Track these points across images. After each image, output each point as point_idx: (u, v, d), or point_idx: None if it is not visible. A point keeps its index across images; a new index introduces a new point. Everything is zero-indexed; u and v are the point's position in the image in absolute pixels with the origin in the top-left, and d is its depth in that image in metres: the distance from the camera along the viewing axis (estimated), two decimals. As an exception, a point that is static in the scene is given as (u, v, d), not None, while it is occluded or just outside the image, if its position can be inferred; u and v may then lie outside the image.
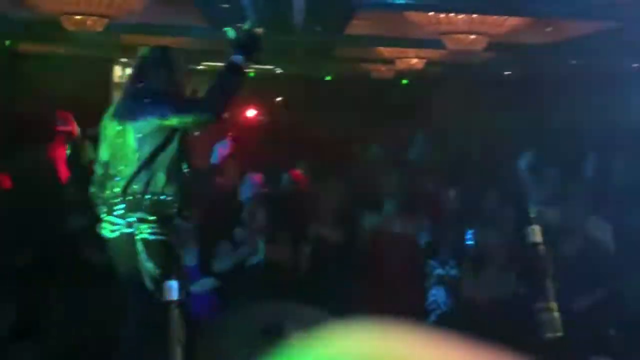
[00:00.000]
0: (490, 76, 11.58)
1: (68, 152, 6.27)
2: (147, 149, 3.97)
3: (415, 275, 5.77)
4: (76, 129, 6.52)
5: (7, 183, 6.09)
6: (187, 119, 3.97)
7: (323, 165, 7.19)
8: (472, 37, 8.82)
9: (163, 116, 3.92)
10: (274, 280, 5.58)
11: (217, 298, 5.69)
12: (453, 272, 5.96)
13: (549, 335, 2.00)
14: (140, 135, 3.99)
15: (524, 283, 2.11)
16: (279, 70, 16.69)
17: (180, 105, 3.99)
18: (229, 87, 4.01)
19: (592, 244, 5.87)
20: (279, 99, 18.25)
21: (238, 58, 4.07)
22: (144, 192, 3.94)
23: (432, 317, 5.96)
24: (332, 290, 5.49)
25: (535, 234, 2.13)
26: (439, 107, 11.43)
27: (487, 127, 9.93)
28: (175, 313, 2.12)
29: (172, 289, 2.17)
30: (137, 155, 3.98)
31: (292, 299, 5.31)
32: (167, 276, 2.27)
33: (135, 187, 3.97)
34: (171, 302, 2.17)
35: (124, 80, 17.41)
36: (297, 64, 14.66)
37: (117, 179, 4.05)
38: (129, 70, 17.14)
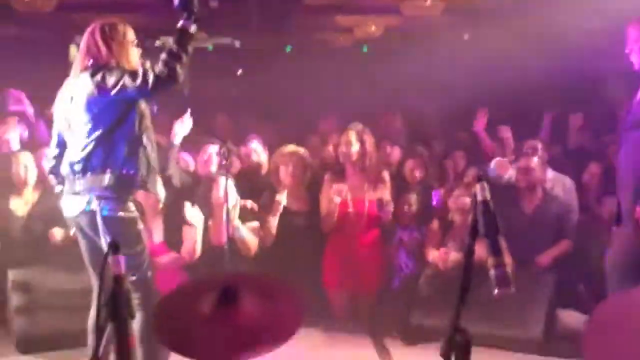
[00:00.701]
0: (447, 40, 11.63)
1: (22, 132, 6.21)
2: (104, 123, 3.97)
3: (378, 239, 5.84)
4: (29, 109, 6.46)
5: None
6: (151, 94, 3.98)
7: (282, 136, 7.23)
8: (428, 2, 8.88)
9: (128, 99, 3.93)
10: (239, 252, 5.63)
11: (185, 273, 5.72)
12: (415, 234, 6.05)
13: (500, 290, 2.08)
14: (95, 109, 3.99)
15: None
16: (237, 43, 16.60)
17: (142, 84, 3.98)
18: (181, 52, 4.03)
19: (552, 199, 6.00)
20: (239, 71, 18.19)
21: (183, 22, 4.11)
22: (103, 168, 3.94)
23: (396, 281, 6.06)
24: (296, 261, 5.56)
25: (484, 190, 2.19)
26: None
27: (447, 89, 10.02)
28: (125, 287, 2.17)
29: (119, 264, 2.20)
30: (94, 129, 3.98)
31: (254, 269, 5.39)
32: (116, 250, 2.30)
33: (94, 162, 3.97)
34: (119, 276, 2.21)
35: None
36: (255, 36, 14.55)
37: (75, 155, 4.04)
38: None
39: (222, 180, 5.44)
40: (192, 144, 6.41)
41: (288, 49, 18.40)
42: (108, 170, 3.99)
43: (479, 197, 2.24)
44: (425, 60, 11.74)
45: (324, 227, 5.80)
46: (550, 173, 6.40)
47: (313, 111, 10.14)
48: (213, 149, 6.21)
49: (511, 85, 9.37)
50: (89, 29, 4.27)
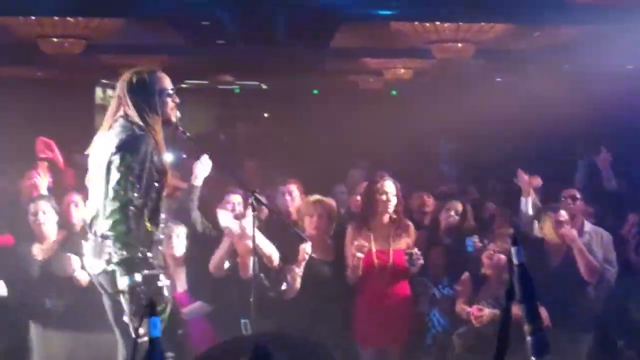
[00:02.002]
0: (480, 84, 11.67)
1: (48, 180, 6.28)
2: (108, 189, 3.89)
3: (407, 292, 5.78)
4: (59, 157, 6.53)
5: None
6: None
7: (312, 182, 7.24)
8: (460, 45, 8.92)
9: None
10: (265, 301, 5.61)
11: (209, 322, 5.70)
12: (446, 290, 5.98)
13: (538, 358, 2.05)
14: (106, 169, 3.91)
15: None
16: (264, 86, 16.79)
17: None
18: None
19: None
20: (266, 114, 18.37)
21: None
22: (106, 237, 3.87)
23: (428, 339, 5.98)
24: (323, 313, 5.52)
25: (520, 253, 2.17)
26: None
27: (479, 134, 10.02)
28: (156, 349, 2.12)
29: (152, 325, 2.18)
30: (103, 190, 3.89)
31: (281, 322, 5.35)
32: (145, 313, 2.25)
33: (98, 230, 3.90)
34: (154, 339, 2.18)
35: (105, 103, 17.56)
36: (282, 79, 14.74)
37: (87, 216, 4.02)
38: (110, 92, 17.31)
39: (248, 230, 5.44)
40: (219, 193, 6.42)
41: (315, 91, 18.62)
42: (112, 238, 3.89)
43: (515, 261, 2.21)
44: (457, 104, 11.78)
45: (350, 279, 5.77)
46: (588, 226, 6.31)
47: (340, 157, 10.17)
48: (236, 199, 6.22)
49: (545, 130, 9.35)
50: (122, 77, 4.10)
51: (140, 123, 3.88)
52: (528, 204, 6.17)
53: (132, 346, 3.75)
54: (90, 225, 3.95)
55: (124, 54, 11.67)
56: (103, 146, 3.91)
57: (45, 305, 5.50)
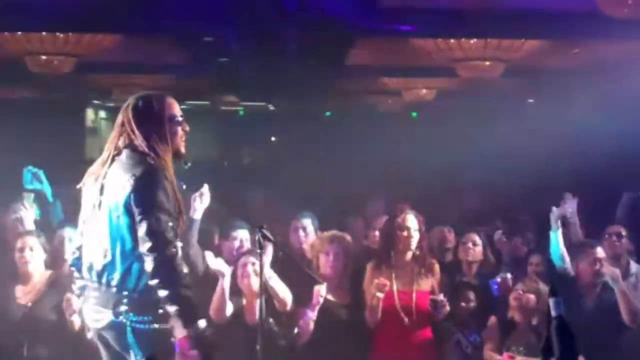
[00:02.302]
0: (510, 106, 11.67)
1: (37, 213, 6.28)
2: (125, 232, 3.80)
3: (431, 338, 5.74)
4: (48, 189, 6.52)
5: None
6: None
7: (326, 215, 7.22)
8: (487, 63, 8.94)
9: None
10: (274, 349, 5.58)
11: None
12: (473, 337, 5.92)
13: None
14: (117, 213, 3.84)
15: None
16: (271, 107, 16.85)
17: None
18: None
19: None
20: (273, 139, 18.43)
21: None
22: (121, 285, 3.83)
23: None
24: (338, 358, 5.49)
25: (559, 305, 2.14)
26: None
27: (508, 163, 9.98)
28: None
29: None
30: (118, 233, 3.83)
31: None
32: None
33: (111, 277, 3.85)
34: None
35: (98, 126, 17.65)
36: (292, 100, 14.80)
37: (93, 261, 3.92)
38: (103, 114, 17.41)
39: (254, 268, 5.42)
40: (223, 228, 6.40)
41: (328, 113, 18.65)
42: (131, 278, 3.84)
43: (553, 313, 2.18)
44: (484, 128, 11.76)
45: (368, 322, 5.74)
46: (635, 267, 6.26)
47: (356, 187, 10.14)
48: (243, 234, 6.20)
49: (584, 158, 9.30)
50: (127, 102, 4.02)
51: (151, 154, 3.77)
52: (560, 239, 6.11)
53: None
54: (100, 273, 3.84)
55: (118, 73, 11.77)
56: (110, 182, 3.81)
57: (27, 355, 5.47)
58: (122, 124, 3.87)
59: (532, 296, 5.45)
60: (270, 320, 5.37)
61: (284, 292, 5.42)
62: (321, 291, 5.51)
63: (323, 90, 13.11)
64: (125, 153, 3.79)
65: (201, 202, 5.49)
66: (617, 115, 8.80)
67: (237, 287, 5.58)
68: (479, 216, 8.51)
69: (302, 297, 5.65)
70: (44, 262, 5.62)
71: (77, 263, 4.01)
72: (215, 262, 5.30)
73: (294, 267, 5.43)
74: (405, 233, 5.64)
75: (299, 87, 12.46)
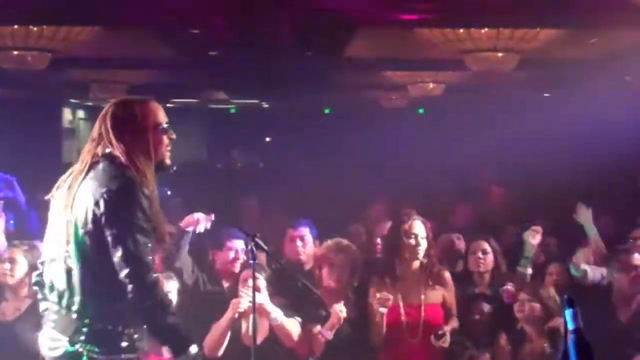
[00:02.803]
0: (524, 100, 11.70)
1: (11, 222, 6.31)
2: (99, 247, 3.72)
3: (440, 355, 5.76)
4: (20, 197, 6.55)
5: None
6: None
7: (325, 221, 7.24)
8: (500, 55, 8.96)
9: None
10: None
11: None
12: (489, 351, 5.94)
13: None
14: (86, 229, 3.77)
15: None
16: (265, 105, 16.89)
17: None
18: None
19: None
20: (268, 139, 18.46)
21: None
22: (82, 311, 3.76)
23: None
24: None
25: (576, 316, 2.16)
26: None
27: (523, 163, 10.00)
28: None
29: None
30: (78, 256, 3.75)
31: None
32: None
33: (71, 301, 3.77)
34: None
35: (76, 127, 17.64)
36: (287, 96, 14.83)
37: (55, 281, 3.86)
38: (81, 114, 17.42)
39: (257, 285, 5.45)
40: (214, 238, 6.41)
41: (327, 111, 18.66)
42: (95, 304, 3.74)
43: (570, 326, 2.20)
44: (496, 125, 11.78)
45: (372, 340, 5.76)
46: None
47: (357, 190, 10.16)
48: (239, 244, 6.20)
49: (604, 156, 9.32)
50: (106, 109, 3.95)
51: (131, 167, 3.69)
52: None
53: None
54: (61, 295, 3.79)
55: (97, 69, 11.79)
56: (82, 195, 3.76)
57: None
58: (100, 134, 3.77)
59: (536, 305, 5.49)
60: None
61: (290, 326, 5.45)
62: (342, 311, 5.55)
63: (321, 85, 13.14)
64: (102, 164, 3.71)
65: (197, 225, 5.52)
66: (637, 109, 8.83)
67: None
68: (492, 222, 8.53)
69: (307, 313, 5.68)
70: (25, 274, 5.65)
71: (40, 281, 3.92)
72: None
73: (290, 279, 5.45)
74: (412, 241, 5.65)
75: (295, 82, 12.50)
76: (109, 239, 3.58)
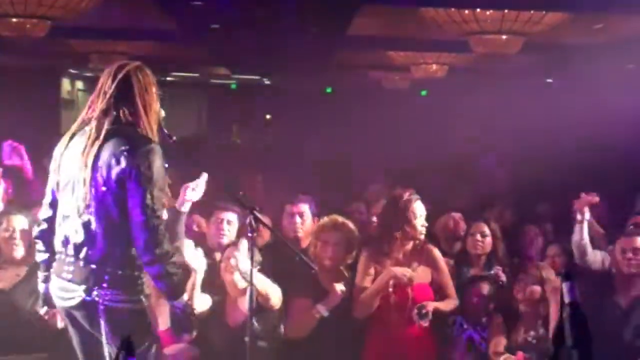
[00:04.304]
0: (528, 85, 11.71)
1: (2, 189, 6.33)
2: (116, 203, 3.93)
3: (430, 333, 5.79)
4: (28, 165, 6.58)
5: None
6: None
7: (325, 199, 7.27)
8: (504, 37, 8.96)
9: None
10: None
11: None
12: (486, 333, 5.98)
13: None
14: (107, 187, 3.94)
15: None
16: (267, 81, 16.87)
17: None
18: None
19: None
20: (268, 116, 18.46)
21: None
22: (102, 262, 3.94)
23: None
24: (332, 354, 5.55)
25: (573, 289, 2.19)
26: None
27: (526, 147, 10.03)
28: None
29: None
30: (101, 205, 3.92)
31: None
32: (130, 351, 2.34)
33: (90, 253, 3.95)
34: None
35: (74, 98, 17.62)
36: (289, 74, 14.82)
37: (69, 234, 4.02)
38: (80, 85, 17.39)
39: (234, 258, 5.47)
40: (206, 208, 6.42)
41: (329, 90, 18.65)
42: (115, 253, 3.96)
43: (567, 299, 2.22)
44: (499, 108, 11.80)
45: (356, 313, 5.75)
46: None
47: (358, 169, 10.19)
48: (227, 216, 6.20)
49: (605, 142, 9.35)
50: (108, 70, 4.13)
51: (147, 129, 3.97)
52: (583, 231, 6.16)
53: None
54: (79, 248, 3.96)
55: (97, 39, 11.77)
56: (104, 157, 3.91)
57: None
58: (103, 92, 3.95)
59: (536, 287, 5.55)
60: (254, 320, 5.44)
61: (268, 287, 5.46)
62: (342, 290, 5.58)
63: (324, 63, 13.13)
64: (123, 128, 3.92)
65: (193, 194, 5.43)
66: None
67: (219, 282, 5.63)
68: (491, 204, 8.56)
69: (300, 288, 5.71)
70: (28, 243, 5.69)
71: (43, 235, 4.13)
72: (192, 255, 5.30)
73: (286, 253, 5.47)
74: (411, 220, 5.67)
75: (298, 59, 12.49)
76: (130, 193, 3.86)
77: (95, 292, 3.91)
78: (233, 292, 5.50)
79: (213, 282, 5.60)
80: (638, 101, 8.72)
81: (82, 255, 3.94)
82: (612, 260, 5.97)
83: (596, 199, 6.17)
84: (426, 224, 5.70)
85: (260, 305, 5.45)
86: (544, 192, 8.96)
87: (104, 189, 3.89)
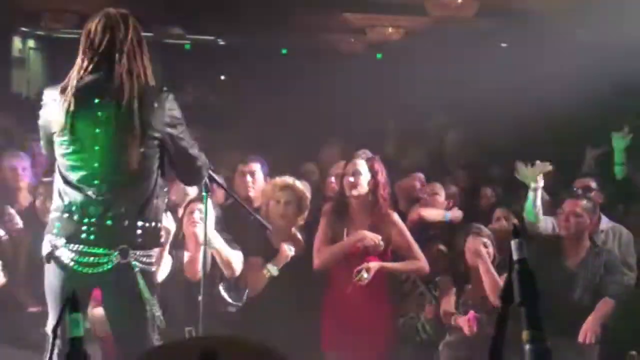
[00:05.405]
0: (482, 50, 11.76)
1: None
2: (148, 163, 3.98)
3: (385, 293, 5.86)
4: None
5: None
6: None
7: (278, 160, 7.29)
8: (460, 0, 8.99)
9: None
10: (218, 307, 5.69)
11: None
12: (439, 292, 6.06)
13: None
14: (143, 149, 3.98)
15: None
16: (221, 42, 16.74)
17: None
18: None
19: (601, 252, 6.02)
20: (222, 77, 18.35)
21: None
22: (136, 218, 3.93)
23: (410, 349, 6.07)
24: (287, 316, 5.59)
25: (521, 246, 2.23)
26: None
27: (477, 109, 10.10)
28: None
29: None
30: (124, 163, 3.93)
31: (236, 328, 5.41)
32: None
33: (124, 210, 3.91)
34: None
35: (26, 56, 17.38)
36: (244, 34, 14.72)
37: (97, 196, 3.93)
38: (31, 43, 17.14)
39: (197, 212, 5.49)
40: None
41: (284, 51, 18.57)
42: (141, 221, 3.93)
43: (515, 256, 2.26)
44: (453, 72, 11.83)
45: (315, 264, 5.79)
46: (605, 222, 6.42)
47: (311, 132, 10.19)
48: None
49: (554, 107, 9.46)
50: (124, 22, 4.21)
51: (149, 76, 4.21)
52: (537, 196, 6.24)
53: None
54: (107, 210, 3.91)
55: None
56: (136, 106, 3.96)
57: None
58: (119, 43, 4.12)
59: (481, 245, 5.66)
60: (221, 286, 5.48)
61: (230, 254, 5.49)
62: (290, 249, 5.63)
63: (278, 24, 13.05)
64: (146, 88, 4.10)
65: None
66: (592, 59, 8.91)
67: (180, 238, 5.64)
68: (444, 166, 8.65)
69: (252, 247, 5.74)
70: None
71: (60, 208, 3.99)
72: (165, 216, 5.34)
73: (241, 213, 5.50)
74: (352, 179, 5.68)
75: (252, 20, 12.40)
76: (175, 133, 4.11)
77: (131, 253, 3.91)
78: (194, 247, 5.52)
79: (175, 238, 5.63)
80: (585, 65, 8.79)
81: (110, 214, 3.91)
82: (558, 223, 6.09)
83: (549, 167, 6.27)
84: (363, 182, 5.70)
85: (221, 271, 5.50)
86: (496, 155, 9.07)
87: (131, 145, 3.91)
